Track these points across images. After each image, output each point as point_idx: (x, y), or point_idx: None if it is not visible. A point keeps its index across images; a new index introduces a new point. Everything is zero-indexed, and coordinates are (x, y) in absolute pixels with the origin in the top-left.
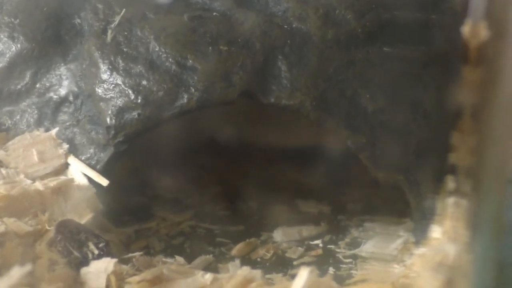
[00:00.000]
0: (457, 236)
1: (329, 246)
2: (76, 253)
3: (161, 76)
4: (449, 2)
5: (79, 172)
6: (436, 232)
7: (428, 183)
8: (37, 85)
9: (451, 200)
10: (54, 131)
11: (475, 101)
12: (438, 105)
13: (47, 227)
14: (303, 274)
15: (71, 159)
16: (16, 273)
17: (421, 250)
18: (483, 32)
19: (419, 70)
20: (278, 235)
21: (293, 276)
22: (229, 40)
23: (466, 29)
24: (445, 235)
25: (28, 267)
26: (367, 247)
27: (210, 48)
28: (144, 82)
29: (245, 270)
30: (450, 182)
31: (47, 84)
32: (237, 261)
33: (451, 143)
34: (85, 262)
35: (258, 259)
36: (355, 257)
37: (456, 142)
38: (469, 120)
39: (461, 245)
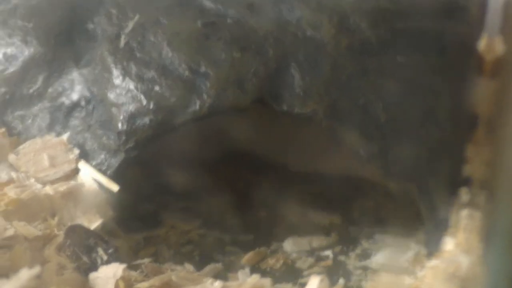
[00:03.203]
0: (471, 248)
1: (339, 257)
2: (85, 258)
3: (173, 82)
4: (464, 13)
5: (90, 177)
6: (449, 244)
7: (440, 193)
8: (49, 90)
9: (465, 212)
10: (65, 136)
11: (490, 114)
12: (452, 115)
13: (56, 232)
14: (314, 283)
15: (82, 164)
16: (24, 275)
17: (433, 262)
18: (499, 47)
19: (432, 79)
20: (288, 245)
21: (303, 285)
22: (243, 47)
23: (482, 43)
24: (458, 247)
25: (36, 270)
26: (378, 259)
27: (223, 54)
28: (157, 88)
29: (255, 278)
30: (464, 194)
31: (59, 89)
32: (247, 269)
33: (466, 155)
34: (93, 267)
35: (268, 269)
36: (365, 268)
37: (471, 154)
38: (484, 132)
39: (475, 257)
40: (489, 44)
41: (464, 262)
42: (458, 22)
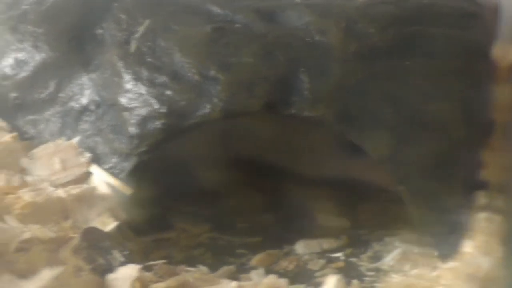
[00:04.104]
0: (490, 251)
1: (350, 259)
2: (101, 260)
3: (184, 86)
4: (476, 19)
5: (102, 181)
6: (467, 246)
7: (455, 197)
8: (61, 94)
9: (483, 215)
10: (75, 140)
11: (506, 119)
12: (465, 119)
13: (71, 234)
14: (331, 282)
15: (94, 168)
16: (46, 275)
17: (450, 264)
18: None
19: (441, 83)
20: (300, 247)
21: (317, 285)
22: (253, 52)
23: (496, 50)
24: (477, 250)
25: (58, 270)
26: (389, 261)
27: (233, 59)
28: (168, 92)
29: (271, 278)
30: (482, 198)
31: (70, 93)
32: (261, 270)
33: (482, 160)
34: (110, 269)
35: (281, 271)
36: (377, 270)
37: (488, 158)
38: (501, 138)
39: (495, 260)
40: (504, 51)
41: (484, 263)
42: (469, 28)
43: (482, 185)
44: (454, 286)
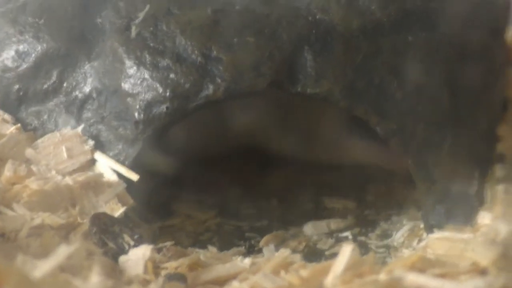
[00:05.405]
0: (509, 220)
1: (359, 238)
2: (111, 244)
3: (187, 69)
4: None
5: (107, 167)
6: (485, 218)
7: (463, 169)
8: (64, 84)
9: (500, 187)
10: (79, 128)
11: None
12: (470, 92)
13: (79, 220)
14: (346, 251)
15: (98, 155)
16: (64, 252)
17: (464, 235)
18: None
19: (443, 58)
20: (308, 228)
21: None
22: (256, 31)
23: (509, 34)
24: (496, 220)
25: (73, 247)
26: (398, 238)
27: (236, 39)
28: (172, 75)
29: (285, 252)
30: (498, 170)
31: (74, 83)
32: (272, 246)
33: (498, 134)
34: (121, 252)
35: (292, 251)
36: (387, 247)
37: (503, 132)
38: None
39: None
40: None
41: (504, 230)
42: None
43: (498, 158)
44: (476, 249)
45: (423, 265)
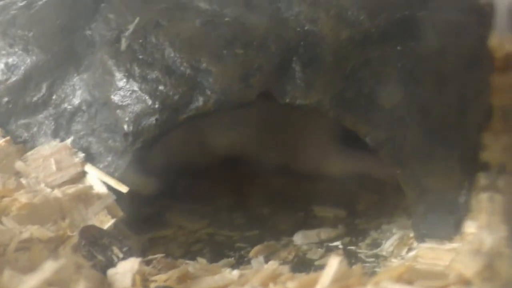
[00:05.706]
0: (494, 229)
1: (349, 247)
2: (100, 257)
3: (176, 81)
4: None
5: (97, 180)
6: (471, 227)
7: (450, 178)
8: (54, 97)
9: (485, 195)
10: (69, 141)
11: (505, 104)
12: (457, 101)
13: (69, 233)
14: (333, 263)
15: (88, 168)
16: (50, 267)
17: (454, 244)
18: (509, 45)
19: (432, 67)
20: (298, 238)
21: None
22: (245, 43)
23: (492, 40)
24: (481, 229)
25: (61, 261)
26: (388, 247)
27: (225, 51)
28: (161, 87)
29: (273, 265)
30: (482, 179)
31: (63, 95)
32: (261, 258)
33: (482, 142)
34: (110, 265)
35: (280, 261)
36: (377, 256)
37: (488, 141)
38: (500, 121)
39: (499, 237)
40: (499, 41)
41: (488, 240)
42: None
43: (483, 167)
44: (461, 260)
45: (410, 277)
